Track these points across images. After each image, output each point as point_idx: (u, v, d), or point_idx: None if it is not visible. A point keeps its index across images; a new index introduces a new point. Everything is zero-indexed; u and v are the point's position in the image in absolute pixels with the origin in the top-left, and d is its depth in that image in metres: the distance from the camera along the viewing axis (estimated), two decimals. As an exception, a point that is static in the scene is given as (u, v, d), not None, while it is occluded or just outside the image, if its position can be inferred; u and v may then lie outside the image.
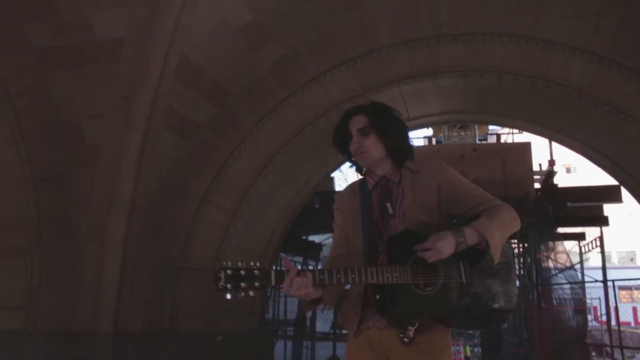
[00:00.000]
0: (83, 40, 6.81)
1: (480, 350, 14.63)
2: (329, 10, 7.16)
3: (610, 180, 9.68)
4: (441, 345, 2.21)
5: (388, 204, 2.33)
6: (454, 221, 2.31)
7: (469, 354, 15.76)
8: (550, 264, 10.06)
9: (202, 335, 7.69)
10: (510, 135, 13.39)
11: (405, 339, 2.16)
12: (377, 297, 2.15)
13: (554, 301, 9.57)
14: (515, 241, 11.19)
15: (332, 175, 12.26)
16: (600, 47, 6.66)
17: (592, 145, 7.93)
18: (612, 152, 7.78)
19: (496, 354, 11.07)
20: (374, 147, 2.35)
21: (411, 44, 7.34)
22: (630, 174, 7.64)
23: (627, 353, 10.21)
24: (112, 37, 6.73)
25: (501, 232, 2.19)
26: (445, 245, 2.08)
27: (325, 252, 15.05)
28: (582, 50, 6.72)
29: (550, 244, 10.39)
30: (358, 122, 2.39)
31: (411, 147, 2.44)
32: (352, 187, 2.48)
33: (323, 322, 14.32)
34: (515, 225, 2.28)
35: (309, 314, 13.64)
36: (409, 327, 2.16)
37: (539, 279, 9.29)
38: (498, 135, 13.00)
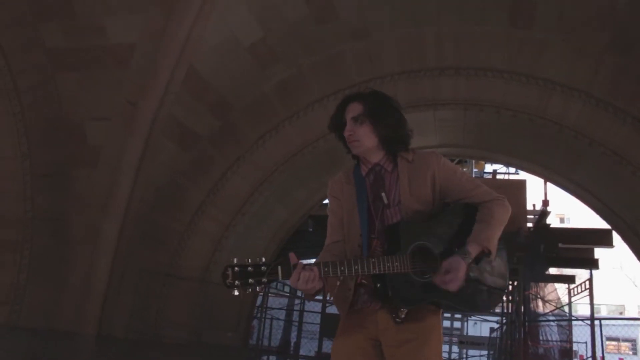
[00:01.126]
0: (95, 44, 6.95)
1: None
2: (338, 36, 7.33)
3: (603, 226, 9.80)
4: (431, 326, 2.29)
5: (383, 194, 2.38)
6: (447, 203, 2.41)
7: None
8: (539, 304, 10.09)
9: (185, 346, 7.64)
10: (506, 176, 13.54)
11: (397, 319, 2.25)
12: (378, 285, 2.23)
13: (541, 341, 9.57)
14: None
15: (325, 201, 12.29)
16: (598, 89, 6.80)
17: (586, 187, 8.03)
18: (605, 194, 7.87)
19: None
20: (366, 136, 2.40)
21: (414, 74, 7.48)
22: (621, 218, 7.72)
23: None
24: (123, 42, 6.87)
25: (498, 232, 2.31)
26: (462, 272, 2.17)
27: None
28: (580, 92, 6.86)
29: (541, 284, 10.46)
30: (353, 109, 2.44)
31: (406, 137, 2.47)
32: (345, 173, 2.53)
33: (307, 350, 14.17)
34: (508, 215, 2.38)
35: (293, 340, 13.53)
36: (402, 309, 2.25)
37: (526, 317, 9.30)
38: (494, 173, 13.14)
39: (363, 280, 2.34)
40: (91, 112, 7.23)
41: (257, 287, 2.06)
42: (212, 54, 7.06)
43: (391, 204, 2.36)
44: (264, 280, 2.05)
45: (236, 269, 2.04)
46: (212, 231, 8.00)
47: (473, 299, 2.31)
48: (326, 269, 2.12)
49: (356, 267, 2.13)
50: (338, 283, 2.41)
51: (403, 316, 2.24)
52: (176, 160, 7.66)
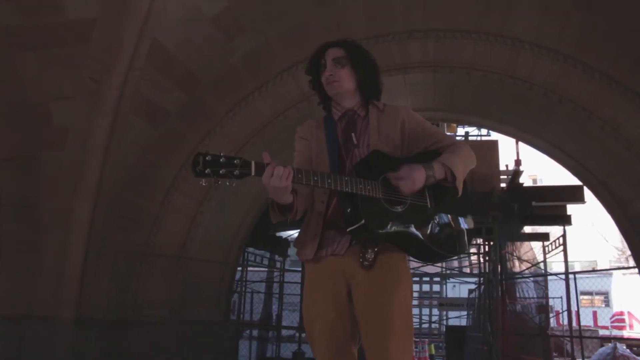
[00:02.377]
0: (53, 20, 6.68)
1: (444, 346, 14.80)
2: (304, 4, 7.21)
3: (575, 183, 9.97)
4: (401, 272, 2.26)
5: (352, 134, 2.39)
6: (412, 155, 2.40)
7: (433, 351, 15.89)
8: (516, 263, 10.29)
9: (165, 324, 7.61)
10: (479, 138, 13.64)
11: (366, 263, 2.19)
12: (348, 210, 2.17)
13: (518, 298, 9.78)
14: (481, 240, 11.43)
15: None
16: (566, 46, 6.83)
17: (557, 145, 8.12)
18: (576, 151, 7.97)
19: (460, 351, 11.20)
20: (346, 79, 2.42)
21: (383, 38, 7.41)
22: (592, 173, 7.84)
23: (585, 353, 10.45)
24: (83, 17, 6.63)
25: (463, 166, 2.31)
26: (419, 177, 2.17)
27: (293, 249, 15.01)
28: (548, 49, 6.89)
29: (517, 244, 10.68)
30: (335, 52, 2.45)
31: (380, 88, 2.52)
32: (316, 120, 2.54)
33: (289, 321, 14.25)
34: (472, 161, 2.41)
35: (274, 311, 13.58)
36: (369, 251, 2.19)
37: (503, 275, 9.46)
38: (466, 135, 13.22)
39: (333, 216, 2.29)
40: (55, 92, 7.01)
41: (227, 181, 1.97)
42: (175, 27, 6.88)
43: (360, 145, 2.37)
44: (236, 172, 1.95)
45: (208, 157, 1.93)
46: (186, 207, 7.93)
47: (442, 239, 2.29)
48: (299, 175, 2.06)
49: (329, 180, 2.09)
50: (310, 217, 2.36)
51: (371, 258, 2.19)
52: (145, 137, 7.52)
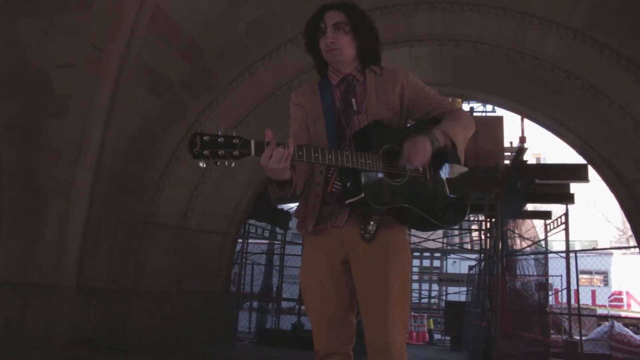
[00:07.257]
0: (54, -14, 6.62)
1: (443, 321, 14.90)
2: (309, -28, 7.07)
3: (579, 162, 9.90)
4: (401, 245, 2.22)
5: (353, 100, 2.31)
6: (409, 125, 2.35)
7: (432, 326, 16.02)
8: (517, 240, 10.29)
9: (165, 294, 7.64)
10: (484, 113, 13.54)
11: (367, 235, 2.15)
12: (348, 184, 2.12)
13: (518, 275, 9.80)
14: (482, 217, 11.43)
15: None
16: (576, 22, 6.71)
17: (563, 122, 8.04)
18: (582, 129, 7.89)
19: (459, 326, 11.28)
20: (347, 46, 2.31)
21: (389, 10, 7.29)
22: (597, 152, 7.76)
23: (583, 331, 10.49)
24: (84, -17, 6.56)
25: (463, 134, 2.26)
26: (426, 146, 2.11)
27: (294, 222, 15.00)
28: (558, 25, 6.77)
29: (519, 222, 10.65)
30: (335, 17, 2.32)
31: (380, 53, 2.42)
32: (310, 86, 2.43)
33: (289, 294, 14.32)
34: (472, 128, 2.34)
35: (274, 283, 13.64)
36: (371, 223, 2.16)
37: (504, 252, 9.46)
38: (471, 110, 13.09)
39: (334, 187, 2.23)
40: (56, 59, 6.94)
41: (226, 162, 1.87)
42: (179, -6, 6.79)
43: (361, 110, 2.30)
44: (236, 153, 1.85)
45: (206, 137, 1.83)
46: (188, 178, 7.89)
47: (441, 211, 2.25)
48: (300, 153, 1.98)
49: (330, 156, 2.03)
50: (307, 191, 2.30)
51: (373, 231, 2.15)
52: (148, 106, 7.46)
